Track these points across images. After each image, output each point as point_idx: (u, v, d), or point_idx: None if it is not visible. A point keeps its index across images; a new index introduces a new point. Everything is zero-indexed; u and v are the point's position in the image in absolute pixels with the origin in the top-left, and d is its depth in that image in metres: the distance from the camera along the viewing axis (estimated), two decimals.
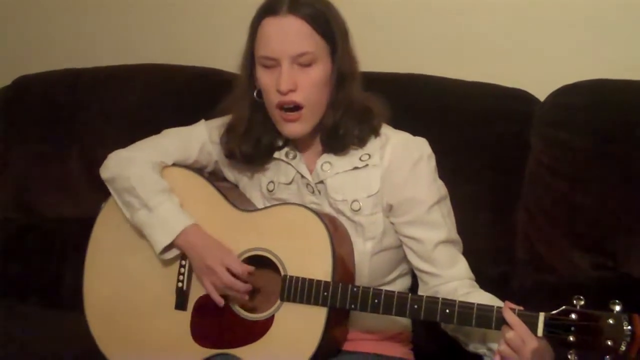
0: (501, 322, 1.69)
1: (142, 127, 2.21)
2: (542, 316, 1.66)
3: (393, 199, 1.92)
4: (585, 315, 1.62)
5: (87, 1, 3.06)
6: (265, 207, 1.99)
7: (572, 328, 1.62)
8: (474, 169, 2.27)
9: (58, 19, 3.11)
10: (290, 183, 1.99)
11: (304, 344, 1.84)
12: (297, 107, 1.89)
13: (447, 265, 1.92)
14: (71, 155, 2.72)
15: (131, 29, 2.98)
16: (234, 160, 2.05)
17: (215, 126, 2.08)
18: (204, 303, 1.96)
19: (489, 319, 1.70)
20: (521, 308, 1.69)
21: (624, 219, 2.12)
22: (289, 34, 1.87)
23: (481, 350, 1.86)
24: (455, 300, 1.74)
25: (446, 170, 2.00)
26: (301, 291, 1.84)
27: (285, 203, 1.97)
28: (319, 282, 1.83)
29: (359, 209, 1.93)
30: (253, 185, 2.05)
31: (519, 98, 2.32)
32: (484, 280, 1.97)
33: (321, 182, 1.96)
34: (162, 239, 1.95)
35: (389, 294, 1.79)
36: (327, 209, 1.95)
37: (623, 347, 1.58)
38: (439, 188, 1.95)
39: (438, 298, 1.76)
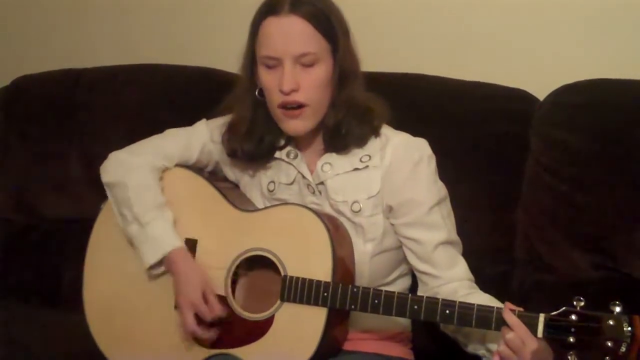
0: (501, 323, 1.69)
1: (142, 128, 2.21)
2: (542, 317, 1.66)
3: (393, 200, 1.92)
4: (585, 317, 1.61)
5: (87, 1, 3.06)
6: (266, 207, 1.99)
7: (572, 329, 1.62)
8: (473, 169, 2.27)
9: (58, 19, 3.11)
10: (291, 183, 1.99)
11: (304, 344, 1.84)
12: (300, 106, 1.89)
13: (446, 266, 1.92)
14: (71, 156, 2.72)
15: (131, 29, 2.98)
16: (236, 160, 2.05)
17: (216, 126, 2.08)
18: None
19: (488, 320, 1.70)
20: (521, 309, 1.69)
21: (624, 218, 2.11)
22: (291, 34, 1.87)
23: (480, 351, 1.86)
24: (455, 301, 1.74)
25: (446, 170, 2.00)
26: (301, 291, 1.84)
27: (286, 203, 1.97)
28: (319, 282, 1.83)
29: (359, 210, 1.93)
30: (254, 185, 2.05)
31: (519, 98, 2.32)
32: (483, 280, 1.97)
33: (322, 183, 1.96)
34: (149, 258, 1.96)
35: (389, 295, 1.79)
36: (328, 210, 1.95)
37: (623, 349, 1.57)
38: (439, 189, 1.95)
39: (438, 299, 1.75)
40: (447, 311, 1.73)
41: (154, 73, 2.73)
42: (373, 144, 1.95)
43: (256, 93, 1.96)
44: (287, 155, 1.99)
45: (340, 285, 1.82)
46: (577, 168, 2.18)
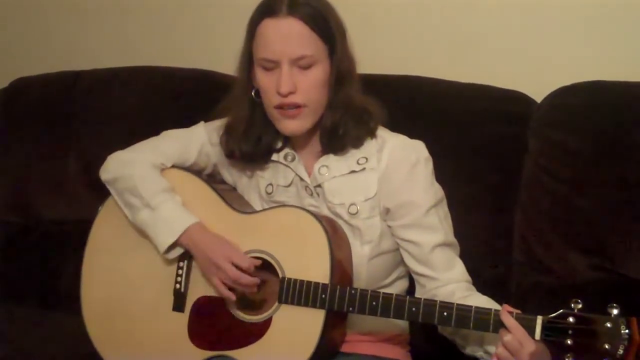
0: (499, 325, 1.69)
1: (140, 129, 2.21)
2: (539, 319, 1.66)
3: (390, 203, 1.92)
4: (582, 319, 1.62)
5: (86, 3, 3.05)
6: (264, 210, 1.99)
7: (570, 331, 1.62)
8: (471, 170, 2.27)
9: (56, 21, 3.11)
10: (289, 186, 1.99)
11: (301, 346, 1.84)
12: (297, 107, 1.89)
13: (444, 268, 1.92)
14: (69, 157, 2.72)
15: (129, 31, 2.98)
16: (234, 161, 2.06)
17: (214, 128, 2.08)
18: (202, 305, 1.96)
19: (486, 322, 1.71)
20: (519, 311, 1.69)
21: (622, 220, 2.12)
22: (289, 37, 1.87)
23: (478, 353, 1.86)
24: (453, 303, 1.74)
25: (444, 172, 2.00)
26: (299, 293, 1.84)
27: (284, 205, 1.97)
28: (317, 284, 1.83)
29: (357, 213, 1.93)
30: (251, 188, 2.05)
31: (516, 99, 2.32)
32: (481, 282, 1.98)
33: (319, 185, 1.96)
34: (165, 238, 1.95)
35: (387, 297, 1.79)
36: (326, 212, 1.95)
37: (621, 351, 1.57)
38: (436, 191, 1.95)
39: (436, 301, 1.76)
40: (445, 313, 1.73)
41: (152, 75, 2.73)
42: (369, 146, 1.95)
43: (252, 94, 1.96)
44: (285, 157, 1.99)
45: (338, 287, 1.82)
46: (575, 169, 2.18)
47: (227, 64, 2.03)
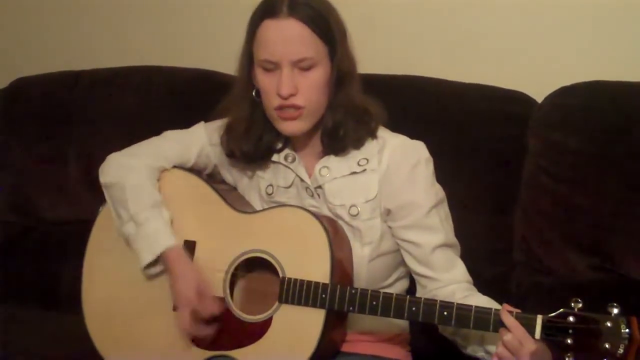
0: (499, 325, 1.69)
1: (140, 129, 2.21)
2: (539, 319, 1.66)
3: (391, 204, 1.92)
4: (583, 318, 1.62)
5: (86, 3, 3.05)
6: (264, 209, 1.99)
7: (570, 331, 1.62)
8: (471, 170, 2.27)
9: (56, 21, 3.11)
10: (289, 187, 1.99)
11: (302, 345, 1.84)
12: (297, 108, 1.89)
13: (445, 268, 1.92)
14: (69, 157, 2.72)
15: (130, 31, 2.98)
16: (234, 161, 2.05)
17: (214, 128, 2.07)
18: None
19: (486, 322, 1.71)
20: (519, 311, 1.69)
21: (622, 220, 2.12)
22: (290, 39, 1.86)
23: (479, 352, 1.86)
24: (453, 303, 1.74)
25: (444, 172, 2.00)
26: (299, 293, 1.84)
27: (284, 205, 1.96)
28: (317, 284, 1.83)
29: (357, 214, 1.93)
30: (252, 188, 2.05)
31: (517, 100, 2.33)
32: (481, 282, 1.97)
33: (320, 186, 1.96)
34: (144, 256, 1.95)
35: (387, 296, 1.79)
36: (326, 213, 1.95)
37: (621, 350, 1.57)
38: (437, 192, 1.95)
39: (436, 300, 1.75)
40: (445, 313, 1.73)
41: (153, 75, 2.73)
42: (370, 147, 1.95)
43: (253, 94, 1.96)
44: (285, 158, 1.99)
45: (339, 286, 1.82)
46: (575, 170, 2.18)
47: (227, 63, 2.03)
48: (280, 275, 1.87)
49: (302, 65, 1.87)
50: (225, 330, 1.92)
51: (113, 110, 2.69)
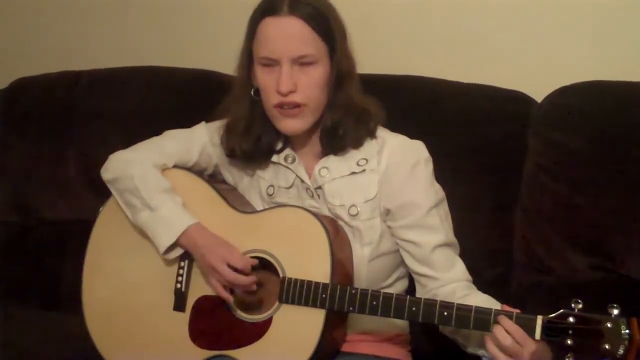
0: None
1: (140, 129, 2.21)
2: (539, 319, 1.66)
3: (391, 204, 1.92)
4: (583, 319, 1.62)
5: (86, 3, 3.05)
6: (265, 209, 1.99)
7: (570, 331, 1.62)
8: (471, 170, 2.27)
9: (56, 21, 3.10)
10: (290, 187, 1.99)
11: (302, 345, 1.84)
12: (297, 106, 1.89)
13: (445, 268, 1.92)
14: (69, 157, 2.71)
15: (130, 31, 2.98)
16: (234, 161, 2.06)
17: (215, 128, 2.07)
18: (203, 304, 1.96)
19: (486, 322, 1.70)
20: (519, 311, 1.69)
21: (623, 220, 2.12)
22: (290, 36, 1.87)
23: (480, 352, 1.86)
24: (453, 303, 1.74)
25: (444, 172, 2.00)
26: (299, 293, 1.84)
27: (285, 205, 1.97)
28: (317, 284, 1.83)
29: (357, 214, 1.93)
30: (252, 188, 2.05)
31: (517, 99, 2.32)
32: (481, 282, 1.98)
33: (319, 187, 1.96)
34: (165, 239, 1.95)
35: (387, 297, 1.79)
36: (326, 214, 1.95)
37: (621, 351, 1.57)
38: (437, 191, 1.95)
39: (436, 300, 1.76)
40: (445, 313, 1.74)
41: (153, 75, 2.73)
42: (369, 147, 1.95)
43: (252, 93, 1.96)
44: (285, 159, 1.99)
45: (339, 287, 1.82)
46: (576, 169, 2.18)
47: (227, 63, 2.03)
48: (281, 275, 1.88)
49: (302, 62, 1.87)
50: (226, 329, 1.92)
51: (113, 110, 2.69)
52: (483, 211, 2.26)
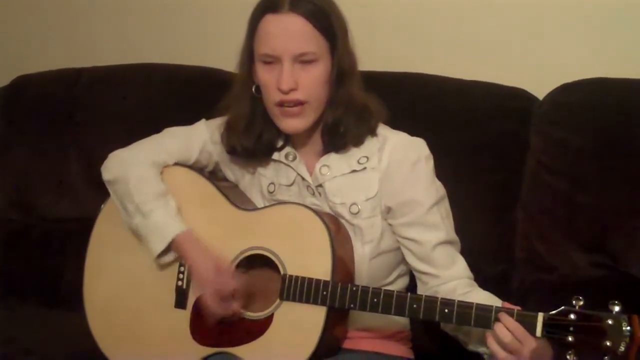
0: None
1: (141, 127, 2.21)
2: (540, 316, 1.66)
3: (392, 201, 1.92)
4: (584, 316, 1.62)
5: (87, 1, 3.05)
6: (266, 207, 1.99)
7: (571, 328, 1.62)
8: (473, 168, 2.27)
9: (57, 19, 3.11)
10: (291, 185, 1.99)
11: (303, 342, 1.84)
12: (298, 104, 1.89)
13: (446, 265, 1.92)
14: (70, 155, 2.72)
15: (130, 29, 2.98)
16: (235, 159, 2.06)
17: (216, 126, 2.07)
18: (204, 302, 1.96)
19: (487, 319, 1.70)
20: (519, 308, 1.69)
21: (624, 217, 2.12)
22: (291, 33, 1.86)
23: (481, 349, 1.86)
24: (454, 300, 1.74)
25: (445, 169, 2.00)
26: (300, 290, 1.84)
27: (286, 202, 1.97)
28: (318, 281, 1.83)
29: (358, 212, 1.93)
30: (253, 186, 2.05)
31: (519, 97, 2.32)
32: (483, 279, 1.97)
33: (320, 185, 1.96)
34: (156, 245, 1.95)
35: (388, 294, 1.79)
36: (327, 212, 1.95)
37: (622, 348, 1.58)
38: (438, 189, 1.95)
39: (437, 297, 1.76)
40: (446, 310, 1.74)
41: (153, 72, 2.73)
42: (370, 145, 1.95)
43: (253, 90, 1.95)
44: (286, 157, 1.99)
45: (340, 284, 1.82)
46: (577, 167, 2.18)
47: (229, 61, 2.02)
48: (282, 272, 1.87)
49: (303, 59, 1.87)
50: (227, 327, 1.92)
51: (114, 108, 2.69)
52: (484, 209, 2.26)
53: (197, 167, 2.08)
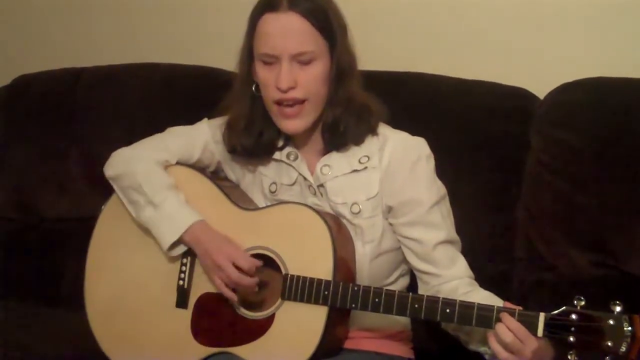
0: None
1: (142, 127, 2.22)
2: (542, 316, 1.66)
3: (393, 201, 1.92)
4: (585, 316, 1.62)
5: (87, 1, 3.05)
6: (267, 206, 1.99)
7: (573, 328, 1.62)
8: (474, 167, 2.27)
9: (58, 18, 3.11)
10: (292, 184, 1.99)
11: (304, 342, 1.84)
12: (297, 103, 1.89)
13: (447, 265, 1.92)
14: (71, 155, 2.72)
15: (131, 28, 2.98)
16: (237, 158, 2.06)
17: (217, 125, 2.07)
18: (205, 301, 1.96)
19: (489, 319, 1.71)
20: (521, 308, 1.70)
21: (625, 217, 2.12)
22: (290, 32, 1.87)
23: (482, 349, 1.86)
24: (455, 300, 1.74)
25: (446, 169, 2.01)
26: (302, 290, 1.85)
27: (287, 202, 1.97)
28: (319, 281, 1.83)
29: (359, 212, 1.93)
30: (255, 185, 2.05)
31: (519, 96, 2.32)
32: (484, 279, 1.97)
33: (322, 185, 1.96)
34: (168, 236, 1.94)
35: (390, 294, 1.79)
36: (329, 211, 1.95)
37: (623, 348, 1.58)
38: (439, 188, 1.95)
39: (438, 297, 1.76)
40: (448, 310, 1.74)
41: (154, 72, 2.72)
42: (371, 144, 1.95)
43: (253, 89, 1.95)
44: (288, 156, 1.99)
45: (341, 284, 1.82)
46: (578, 166, 2.18)
47: (231, 60, 2.02)
48: (283, 272, 1.88)
49: (302, 59, 1.87)
50: (228, 326, 1.93)
51: (114, 108, 2.69)
52: (485, 208, 2.26)
53: (199, 167, 2.08)
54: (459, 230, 1.98)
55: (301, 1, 1.87)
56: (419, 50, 2.56)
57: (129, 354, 2.03)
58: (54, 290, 2.64)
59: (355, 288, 1.81)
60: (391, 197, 1.93)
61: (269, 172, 2.02)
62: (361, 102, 1.95)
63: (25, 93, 2.85)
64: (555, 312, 1.65)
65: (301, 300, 1.84)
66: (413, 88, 2.39)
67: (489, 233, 2.24)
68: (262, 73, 1.91)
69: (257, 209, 2.00)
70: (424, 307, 1.76)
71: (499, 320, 1.69)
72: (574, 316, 1.63)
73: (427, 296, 1.77)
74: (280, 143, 2.00)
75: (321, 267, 1.84)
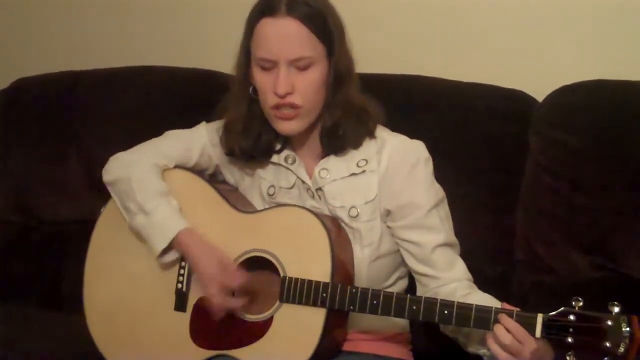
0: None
1: (141, 129, 2.21)
2: (540, 317, 1.66)
3: (391, 204, 1.92)
4: (583, 317, 1.62)
5: (86, 3, 3.06)
6: (265, 209, 1.99)
7: (571, 329, 1.62)
8: (472, 170, 2.27)
9: (57, 21, 3.11)
10: (291, 188, 1.99)
11: (302, 345, 1.84)
12: (294, 107, 1.88)
13: (445, 267, 1.92)
14: (70, 158, 2.72)
15: (130, 31, 2.98)
16: (235, 161, 2.06)
17: (215, 129, 2.07)
18: (204, 304, 1.95)
19: (487, 320, 1.70)
20: (519, 309, 1.69)
21: (624, 219, 2.12)
22: (287, 37, 1.86)
23: (481, 351, 1.85)
24: (453, 302, 1.74)
25: (445, 172, 2.00)
26: (300, 292, 1.84)
27: (286, 205, 1.97)
28: (317, 283, 1.83)
29: (357, 215, 1.93)
30: (253, 188, 2.05)
31: (518, 99, 2.32)
32: (482, 281, 1.97)
33: (320, 188, 1.96)
34: (158, 244, 1.95)
35: (388, 295, 1.79)
36: (327, 214, 1.95)
37: (622, 349, 1.57)
38: (437, 191, 1.95)
39: (436, 299, 1.75)
40: (446, 312, 1.73)
41: (153, 75, 2.73)
42: (369, 147, 1.95)
43: (250, 91, 1.95)
44: (286, 160, 1.99)
45: (339, 286, 1.82)
46: (576, 169, 2.18)
47: (229, 63, 2.02)
48: (281, 274, 1.87)
49: (300, 65, 1.87)
50: (226, 329, 1.92)
51: (113, 111, 2.69)
52: (484, 211, 2.26)
53: (197, 170, 2.08)
54: (457, 232, 1.98)
55: (299, 6, 1.86)
56: (417, 53, 2.56)
57: (128, 357, 2.03)
58: (54, 293, 2.64)
59: (354, 290, 1.81)
60: (389, 200, 1.93)
61: (267, 175, 2.02)
62: (359, 106, 1.95)
63: (24, 96, 2.85)
64: (553, 313, 1.65)
65: (299, 303, 1.84)
66: (411, 91, 2.40)
67: (488, 235, 2.24)
68: (260, 78, 1.90)
69: (255, 211, 2.00)
70: (422, 308, 1.75)
71: (497, 321, 1.69)
72: (572, 317, 1.62)
73: (425, 298, 1.77)
74: (278, 146, 2.00)
75: (319, 270, 1.84)
